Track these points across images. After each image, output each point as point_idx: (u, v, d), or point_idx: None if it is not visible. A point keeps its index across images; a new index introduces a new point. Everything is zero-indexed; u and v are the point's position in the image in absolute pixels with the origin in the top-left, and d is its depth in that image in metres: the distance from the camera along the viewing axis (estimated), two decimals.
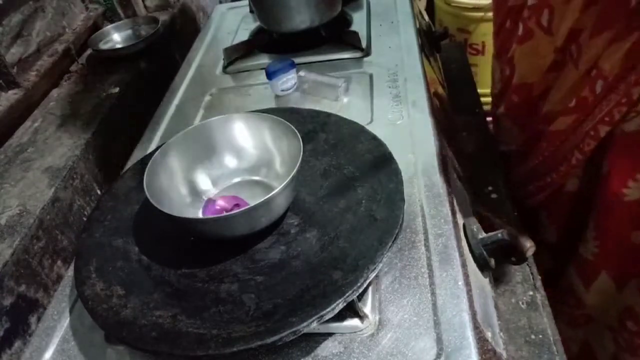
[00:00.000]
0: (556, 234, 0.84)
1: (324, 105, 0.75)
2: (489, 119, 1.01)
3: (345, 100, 0.76)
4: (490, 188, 0.79)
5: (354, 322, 0.47)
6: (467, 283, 0.49)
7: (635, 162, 0.67)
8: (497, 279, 0.66)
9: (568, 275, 0.81)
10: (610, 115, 0.66)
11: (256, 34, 1.00)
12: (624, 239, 0.71)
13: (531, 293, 0.64)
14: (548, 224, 0.84)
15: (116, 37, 1.08)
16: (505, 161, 0.88)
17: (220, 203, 0.59)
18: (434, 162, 0.62)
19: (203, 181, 0.60)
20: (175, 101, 0.86)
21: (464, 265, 0.51)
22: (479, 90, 1.09)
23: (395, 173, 0.55)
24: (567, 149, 0.74)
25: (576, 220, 0.79)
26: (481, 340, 0.45)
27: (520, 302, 0.63)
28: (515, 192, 0.80)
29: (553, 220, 0.84)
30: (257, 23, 1.02)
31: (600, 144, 0.69)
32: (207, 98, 0.85)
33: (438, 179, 0.60)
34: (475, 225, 0.59)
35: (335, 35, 0.90)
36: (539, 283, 0.65)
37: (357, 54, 0.86)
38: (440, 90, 0.94)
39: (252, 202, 0.48)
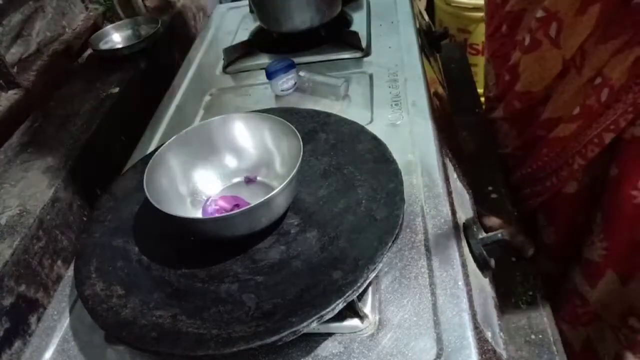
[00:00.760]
0: (554, 236, 0.84)
1: (324, 105, 0.75)
2: None
3: (345, 100, 0.76)
4: (490, 188, 0.79)
5: (354, 322, 0.47)
6: (467, 283, 0.49)
7: None
8: (497, 279, 0.66)
9: (572, 277, 0.81)
10: (616, 124, 0.66)
11: (256, 34, 1.00)
12: (634, 239, 0.72)
13: (531, 293, 0.64)
14: (546, 226, 0.85)
15: (116, 37, 1.07)
16: (501, 164, 0.88)
17: (220, 203, 0.59)
18: (434, 162, 0.62)
19: (203, 181, 0.60)
20: (175, 101, 0.86)
21: (464, 265, 0.51)
22: (479, 90, 1.09)
23: (395, 173, 0.55)
24: (568, 154, 0.74)
25: (577, 223, 0.79)
26: (481, 340, 0.45)
27: (520, 302, 0.63)
28: (512, 195, 0.81)
29: (551, 222, 0.84)
30: (257, 23, 1.02)
31: (603, 149, 0.69)
32: (207, 98, 0.85)
33: (438, 179, 0.60)
34: (475, 225, 0.59)
35: (335, 35, 0.90)
36: (539, 283, 0.65)
37: (357, 54, 0.86)
38: (440, 90, 0.94)
39: (252, 202, 0.48)
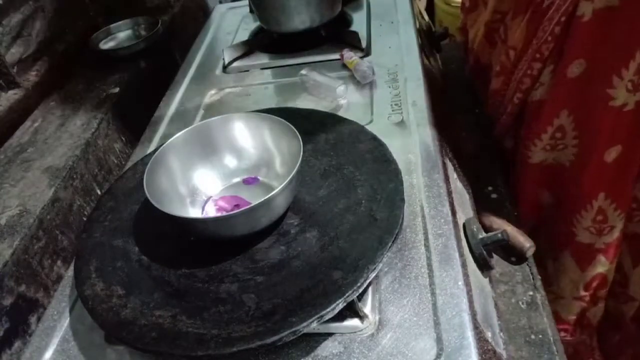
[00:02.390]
0: None
1: (324, 105, 0.75)
2: None
3: (345, 100, 0.76)
4: (490, 188, 0.80)
5: (354, 322, 0.47)
6: (467, 283, 0.49)
7: (537, 128, 0.73)
8: (497, 279, 0.66)
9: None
10: (522, 83, 0.73)
11: (256, 34, 1.00)
12: (539, 201, 0.80)
13: (531, 293, 0.64)
14: None
15: (116, 37, 1.08)
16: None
17: (220, 203, 0.59)
18: (434, 162, 0.62)
19: (203, 181, 0.60)
20: (175, 101, 0.86)
21: (464, 265, 0.51)
22: None
23: (395, 173, 0.55)
24: (501, 111, 0.82)
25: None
26: (481, 340, 0.45)
27: (520, 302, 0.63)
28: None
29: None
30: (257, 23, 1.02)
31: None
32: (207, 98, 0.85)
33: (438, 179, 0.60)
34: (475, 225, 0.59)
35: (335, 35, 0.90)
36: (539, 283, 0.65)
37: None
38: (440, 90, 0.94)
39: (252, 202, 0.48)
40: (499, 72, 0.81)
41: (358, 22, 0.95)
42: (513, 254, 0.67)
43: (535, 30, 0.69)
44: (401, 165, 0.57)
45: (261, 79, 0.87)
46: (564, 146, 0.73)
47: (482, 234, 0.59)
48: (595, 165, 0.71)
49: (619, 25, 0.61)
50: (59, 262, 0.67)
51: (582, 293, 0.82)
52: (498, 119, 0.83)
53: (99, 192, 0.79)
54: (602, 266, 0.79)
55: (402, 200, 0.52)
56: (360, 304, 0.46)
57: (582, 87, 0.67)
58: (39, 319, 0.59)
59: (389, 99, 0.74)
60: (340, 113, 0.68)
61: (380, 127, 0.67)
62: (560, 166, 0.76)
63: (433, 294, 0.48)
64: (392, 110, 0.71)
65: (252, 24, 1.04)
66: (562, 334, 0.87)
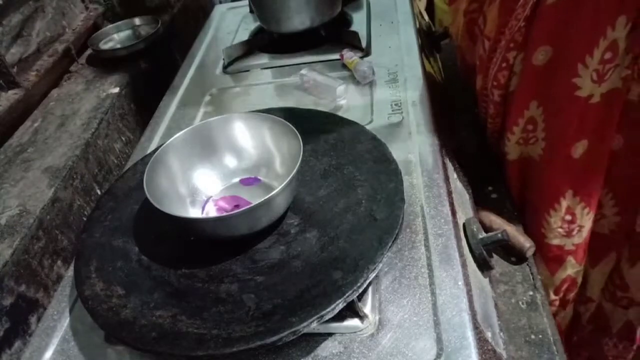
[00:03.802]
0: None
1: (324, 105, 0.76)
2: None
3: (345, 100, 0.76)
4: (490, 188, 0.79)
5: (354, 322, 0.47)
6: (467, 283, 0.49)
7: (510, 120, 0.70)
8: (497, 279, 0.66)
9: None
10: (497, 80, 0.69)
11: (256, 34, 1.00)
12: (518, 195, 0.77)
13: (531, 293, 0.64)
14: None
15: (116, 37, 1.08)
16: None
17: (220, 203, 0.59)
18: (434, 162, 0.62)
19: (203, 181, 0.60)
20: (175, 101, 0.86)
21: (464, 265, 0.51)
22: None
23: (395, 173, 0.55)
24: (484, 110, 0.78)
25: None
26: (481, 340, 0.45)
27: (520, 302, 0.63)
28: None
29: None
30: (257, 23, 1.02)
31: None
32: (207, 98, 0.85)
33: (438, 179, 0.60)
34: (475, 225, 0.59)
35: (335, 35, 0.90)
36: (539, 283, 0.65)
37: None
38: (440, 90, 0.94)
39: (252, 202, 0.48)
40: (479, 68, 0.76)
41: (358, 22, 0.95)
42: (513, 254, 0.67)
43: (508, 16, 0.64)
44: (401, 165, 0.57)
45: (261, 79, 0.87)
46: (535, 139, 0.70)
47: (482, 234, 0.59)
48: (562, 161, 0.67)
49: (584, 9, 0.57)
50: (59, 262, 0.67)
51: (552, 297, 0.79)
52: (486, 123, 0.79)
53: (99, 192, 0.79)
54: (571, 268, 0.76)
55: (402, 200, 0.52)
56: (360, 304, 0.46)
57: (549, 76, 0.63)
58: (39, 319, 0.59)
59: (389, 99, 0.74)
60: (340, 113, 0.68)
61: (380, 127, 0.67)
62: (532, 161, 0.72)
63: (433, 294, 0.48)
64: (392, 110, 0.71)
65: (252, 24, 1.04)
66: None
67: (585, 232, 0.73)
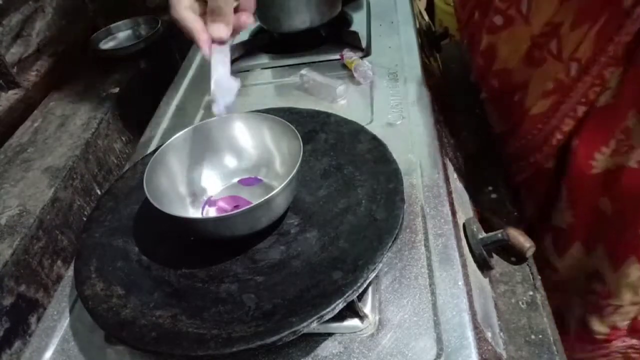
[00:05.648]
0: (532, 209, 0.87)
1: (324, 105, 0.75)
2: None
3: (345, 100, 0.76)
4: (490, 188, 0.79)
5: (354, 322, 0.47)
6: (467, 283, 0.49)
7: (602, 135, 0.69)
8: (497, 279, 0.66)
9: (544, 247, 0.84)
10: (586, 96, 0.69)
11: (256, 34, 1.00)
12: (593, 207, 0.75)
13: (531, 293, 0.64)
14: (525, 200, 0.87)
15: (116, 37, 1.08)
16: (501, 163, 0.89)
17: (220, 203, 0.59)
18: (434, 162, 0.62)
19: (203, 181, 0.60)
20: (175, 101, 0.86)
21: (464, 265, 0.51)
22: None
23: (395, 173, 0.55)
24: (548, 130, 0.76)
25: (551, 195, 0.82)
26: (481, 340, 0.45)
27: (520, 302, 0.63)
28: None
29: (530, 196, 0.86)
30: (257, 23, 1.02)
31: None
32: (207, 98, 0.85)
33: (438, 179, 0.60)
34: (475, 225, 0.59)
35: (335, 35, 0.90)
36: (539, 283, 0.65)
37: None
38: (440, 90, 0.94)
39: (252, 202, 0.48)
40: (548, 92, 0.74)
41: (358, 22, 0.95)
42: (513, 254, 0.67)
43: (610, 36, 0.64)
44: (401, 165, 0.56)
45: (261, 79, 0.87)
46: (628, 148, 0.69)
47: (482, 234, 0.59)
48: None
49: None
50: (59, 262, 0.67)
51: None
52: (539, 145, 0.78)
53: (99, 192, 0.79)
54: None
55: (402, 200, 0.52)
56: (360, 304, 0.46)
57: None
58: (39, 319, 0.59)
59: (389, 99, 0.74)
60: (340, 113, 0.68)
61: (380, 127, 0.67)
62: (622, 169, 0.70)
63: (433, 294, 0.48)
64: (392, 110, 0.71)
65: (251, 24, 1.04)
66: (619, 342, 0.84)
67: None
